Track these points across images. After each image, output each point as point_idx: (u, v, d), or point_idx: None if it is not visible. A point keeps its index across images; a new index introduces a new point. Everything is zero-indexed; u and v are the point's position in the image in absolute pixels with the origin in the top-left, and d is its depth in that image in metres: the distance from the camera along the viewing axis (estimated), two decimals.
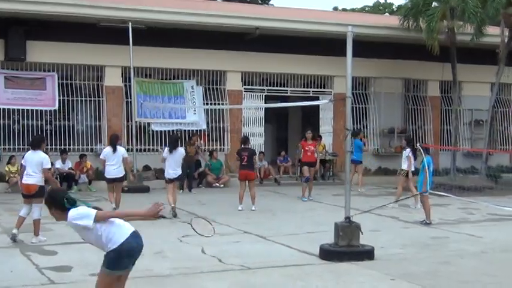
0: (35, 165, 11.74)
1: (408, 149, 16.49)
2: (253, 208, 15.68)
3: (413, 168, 16.38)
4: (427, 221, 13.91)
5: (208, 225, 6.46)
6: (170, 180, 15.04)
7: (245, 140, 16.75)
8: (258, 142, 23.14)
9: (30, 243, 11.32)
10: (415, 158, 16.17)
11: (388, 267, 9.63)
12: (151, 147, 21.69)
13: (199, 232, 6.35)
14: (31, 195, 11.75)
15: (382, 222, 14.05)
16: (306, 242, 11.43)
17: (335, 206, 16.27)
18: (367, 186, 20.95)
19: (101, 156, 15.49)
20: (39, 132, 20.49)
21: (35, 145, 12.11)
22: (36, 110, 20.51)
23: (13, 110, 20.23)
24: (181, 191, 19.35)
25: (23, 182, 11.83)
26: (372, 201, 17.06)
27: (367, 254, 10.09)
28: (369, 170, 23.97)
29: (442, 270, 9.57)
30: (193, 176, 20.54)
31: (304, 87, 24.15)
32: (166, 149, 15.16)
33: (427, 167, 13.76)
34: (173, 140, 15.60)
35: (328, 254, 10.07)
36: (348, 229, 10.18)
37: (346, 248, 10.07)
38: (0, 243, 11.35)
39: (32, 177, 11.73)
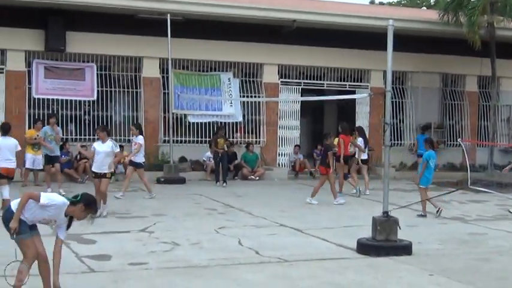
0: (9, 150, 12.92)
1: (360, 138, 17.75)
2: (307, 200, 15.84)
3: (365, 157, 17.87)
4: (423, 214, 13.95)
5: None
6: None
7: (324, 135, 16.88)
8: (293, 135, 23.14)
9: None
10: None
11: (426, 262, 9.58)
12: (187, 138, 21.78)
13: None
14: (11, 177, 13.12)
15: (419, 217, 13.95)
16: (342, 236, 11.42)
17: (371, 201, 16.24)
18: (404, 180, 20.86)
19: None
20: (78, 122, 20.78)
21: (5, 131, 13.25)
22: (75, 101, 20.72)
23: (52, 100, 20.44)
24: (217, 183, 19.45)
25: (3, 166, 12.84)
26: (408, 196, 16.95)
27: (405, 249, 10.05)
28: (405, 165, 23.82)
29: (481, 266, 9.50)
30: (228, 168, 20.57)
31: (340, 80, 24.06)
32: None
33: (426, 162, 13.91)
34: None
35: (365, 248, 10.04)
36: (385, 224, 10.14)
37: (384, 242, 10.03)
38: (40, 231, 11.48)
39: (11, 162, 12.96)
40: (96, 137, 20.49)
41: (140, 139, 16.19)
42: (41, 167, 17.89)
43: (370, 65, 23.29)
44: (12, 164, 12.97)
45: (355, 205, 15.95)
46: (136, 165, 16.20)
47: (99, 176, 13.15)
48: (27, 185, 17.32)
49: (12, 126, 14.13)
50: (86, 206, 7.23)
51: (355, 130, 20.40)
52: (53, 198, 7.13)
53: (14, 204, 7.13)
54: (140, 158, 16.22)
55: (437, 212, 13.98)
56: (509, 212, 14.81)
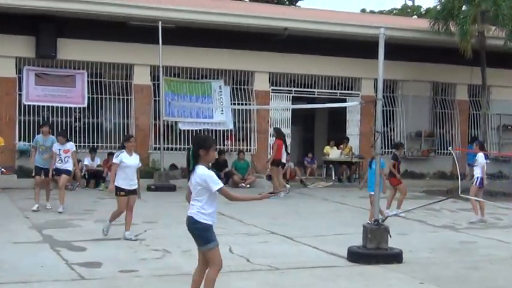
0: None
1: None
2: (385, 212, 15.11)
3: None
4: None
5: None
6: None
7: (395, 145, 16.97)
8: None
9: None
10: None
11: (417, 270, 9.58)
12: (178, 146, 21.76)
13: None
14: None
15: (409, 225, 13.98)
16: (333, 244, 11.41)
17: (361, 209, 16.24)
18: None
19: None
20: (68, 129, 20.67)
21: None
22: (66, 107, 20.69)
23: (43, 106, 20.40)
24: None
25: None
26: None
27: (395, 257, 10.05)
28: None
29: (471, 275, 9.51)
30: (219, 176, 20.53)
31: (331, 89, 24.10)
32: None
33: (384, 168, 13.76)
34: None
35: (356, 256, 10.04)
36: (376, 232, 10.15)
37: (375, 250, 10.04)
38: (30, 238, 11.47)
39: None
40: (86, 144, 20.67)
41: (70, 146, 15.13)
42: None
43: (361, 73, 23.36)
44: None
45: (346, 213, 15.97)
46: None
47: (129, 192, 11.51)
48: None
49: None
50: None
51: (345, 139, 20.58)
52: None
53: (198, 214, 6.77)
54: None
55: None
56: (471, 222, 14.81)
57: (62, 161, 14.73)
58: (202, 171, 6.68)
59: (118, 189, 11.37)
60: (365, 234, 10.21)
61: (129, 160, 11.40)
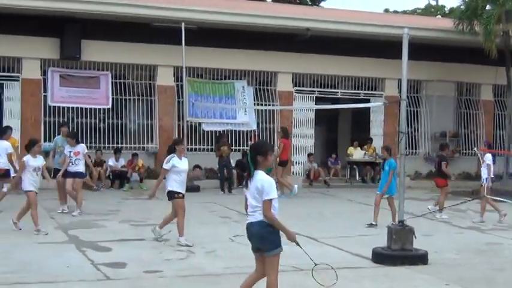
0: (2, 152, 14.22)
1: None
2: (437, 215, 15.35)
3: None
4: (373, 222, 13.73)
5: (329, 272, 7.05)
6: None
7: (441, 146, 16.81)
8: (308, 144, 23.10)
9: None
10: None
11: (442, 272, 9.52)
12: (202, 146, 21.80)
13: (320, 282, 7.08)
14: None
15: (434, 226, 13.90)
16: (357, 245, 11.38)
17: (385, 210, 16.14)
18: (419, 190, 20.82)
19: None
20: (93, 130, 20.82)
21: (1, 134, 14.88)
22: (90, 108, 20.81)
23: (67, 107, 20.54)
24: (222, 192, 19.46)
25: None
26: (424, 205, 16.85)
27: (420, 259, 10.00)
28: (420, 173, 23.74)
29: (497, 276, 9.44)
30: (242, 176, 20.55)
31: (354, 89, 24.02)
32: None
33: (393, 169, 13.66)
34: None
35: (381, 257, 10.01)
36: (401, 233, 10.11)
37: (400, 251, 10.00)
38: (56, 238, 11.56)
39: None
40: (110, 145, 20.80)
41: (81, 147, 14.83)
42: None
43: (385, 74, 23.26)
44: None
45: (370, 213, 15.86)
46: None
47: (179, 196, 11.27)
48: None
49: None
50: None
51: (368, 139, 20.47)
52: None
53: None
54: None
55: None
56: (428, 209, 14.77)
57: (72, 164, 14.38)
58: (261, 177, 6.61)
59: (175, 193, 11.14)
60: (389, 235, 10.17)
61: (181, 164, 11.22)
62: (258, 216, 6.63)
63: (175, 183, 11.13)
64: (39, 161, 12.10)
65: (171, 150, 11.48)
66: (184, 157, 11.42)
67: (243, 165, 20.66)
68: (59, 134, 16.31)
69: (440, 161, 15.82)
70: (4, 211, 13.74)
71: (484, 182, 14.85)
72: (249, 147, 7.03)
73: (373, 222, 13.64)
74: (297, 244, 6.76)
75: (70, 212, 14.26)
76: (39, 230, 11.73)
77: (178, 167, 11.15)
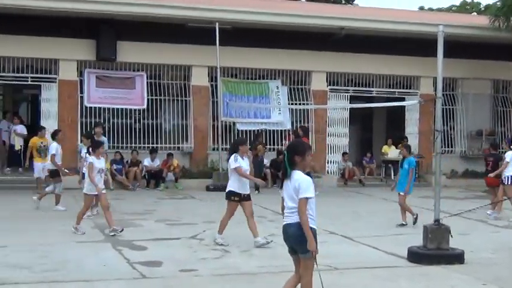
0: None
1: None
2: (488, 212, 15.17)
3: None
4: (403, 223, 13.53)
5: None
6: None
7: (494, 146, 16.70)
8: (342, 143, 23.03)
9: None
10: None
11: (479, 271, 9.44)
12: None
13: None
14: None
15: (471, 225, 13.77)
16: (393, 244, 11.33)
17: (421, 209, 16.03)
18: (455, 188, 20.65)
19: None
20: (128, 131, 20.99)
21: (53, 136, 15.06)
22: (126, 109, 21.01)
23: (103, 108, 20.75)
24: (256, 191, 19.46)
25: None
26: (460, 204, 16.75)
27: (457, 258, 9.91)
28: (456, 172, 23.52)
29: None
30: (277, 176, 20.56)
31: (389, 87, 23.89)
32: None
33: (413, 168, 13.49)
34: None
35: (417, 256, 9.94)
36: (437, 232, 10.03)
37: (436, 251, 9.92)
38: (93, 237, 11.69)
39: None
40: (145, 145, 20.96)
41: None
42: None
43: (420, 72, 23.10)
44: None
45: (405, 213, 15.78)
46: None
47: (243, 198, 11.13)
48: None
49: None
50: None
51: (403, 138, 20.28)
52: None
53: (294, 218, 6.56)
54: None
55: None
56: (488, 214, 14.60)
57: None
58: (299, 176, 6.49)
59: (232, 194, 11.04)
60: (425, 234, 10.10)
61: (244, 164, 11.11)
62: (295, 218, 6.53)
63: (238, 183, 11.02)
64: (103, 163, 12.18)
65: (234, 149, 11.36)
66: (246, 157, 11.35)
67: (278, 164, 20.70)
68: (94, 133, 16.03)
69: (497, 161, 15.66)
70: (42, 210, 13.93)
71: (507, 180, 14.70)
72: (286, 148, 6.87)
73: (404, 223, 13.52)
74: (314, 257, 6.52)
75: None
76: (115, 229, 11.71)
77: (242, 167, 11.08)
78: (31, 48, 19.74)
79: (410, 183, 13.55)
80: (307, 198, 6.42)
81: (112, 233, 11.66)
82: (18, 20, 19.19)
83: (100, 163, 12.06)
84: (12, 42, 19.47)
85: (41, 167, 17.42)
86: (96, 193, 11.92)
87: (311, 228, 6.45)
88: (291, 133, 21.80)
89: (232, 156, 11.13)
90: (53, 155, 14.69)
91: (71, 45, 20.11)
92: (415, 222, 13.39)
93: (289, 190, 6.57)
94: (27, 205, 15.18)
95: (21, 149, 20.48)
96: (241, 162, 11.09)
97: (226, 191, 11.14)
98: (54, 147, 14.80)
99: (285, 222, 6.67)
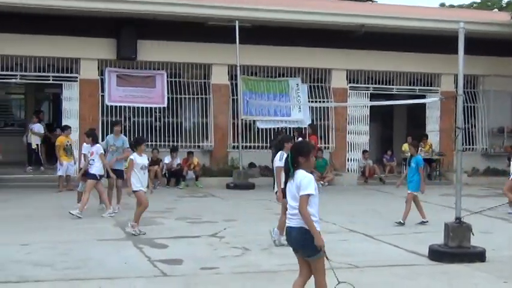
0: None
1: None
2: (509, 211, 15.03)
3: None
4: (424, 220, 13.45)
5: None
6: None
7: None
8: (363, 141, 22.96)
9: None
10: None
11: (501, 269, 9.39)
12: (256, 144, 21.85)
13: None
14: None
15: (492, 224, 13.69)
16: (413, 242, 11.30)
17: (442, 206, 15.99)
18: (476, 186, 20.53)
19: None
20: (149, 129, 21.06)
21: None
22: (146, 107, 21.07)
23: (124, 107, 20.83)
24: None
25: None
26: (481, 202, 16.64)
27: (478, 256, 9.87)
28: (477, 170, 23.37)
29: None
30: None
31: (410, 85, 23.78)
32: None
33: (422, 166, 13.43)
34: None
35: (438, 254, 9.91)
36: (458, 230, 9.98)
37: (457, 249, 9.88)
38: (114, 235, 11.76)
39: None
40: (166, 143, 21.02)
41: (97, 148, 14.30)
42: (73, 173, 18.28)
43: (441, 69, 22.97)
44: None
45: (426, 210, 15.70)
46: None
47: None
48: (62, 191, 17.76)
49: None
50: None
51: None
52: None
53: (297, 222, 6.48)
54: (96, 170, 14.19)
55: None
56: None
57: (89, 164, 14.08)
58: (301, 174, 6.43)
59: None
60: (446, 232, 10.06)
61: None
62: (296, 221, 6.48)
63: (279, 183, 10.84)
64: (145, 159, 12.12)
65: (280, 147, 11.24)
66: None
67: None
68: (111, 132, 15.95)
69: None
70: (63, 208, 14.03)
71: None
72: (291, 149, 6.80)
73: (424, 220, 13.46)
74: (324, 252, 6.46)
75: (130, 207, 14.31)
76: (138, 230, 11.73)
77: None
78: (53, 48, 19.86)
79: (422, 182, 13.50)
80: (308, 195, 6.33)
81: (133, 232, 11.70)
82: (40, 19, 19.31)
83: (142, 159, 11.99)
84: (34, 41, 19.60)
85: (67, 165, 18.00)
86: (142, 189, 11.82)
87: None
88: (295, 132, 21.65)
89: (279, 154, 11.02)
90: (102, 154, 14.21)
91: (92, 45, 20.20)
92: (399, 223, 13.31)
93: (292, 190, 6.51)
94: (49, 203, 15.32)
95: (37, 148, 20.71)
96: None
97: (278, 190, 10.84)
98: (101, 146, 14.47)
99: (287, 225, 6.66)
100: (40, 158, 20.91)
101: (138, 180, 11.80)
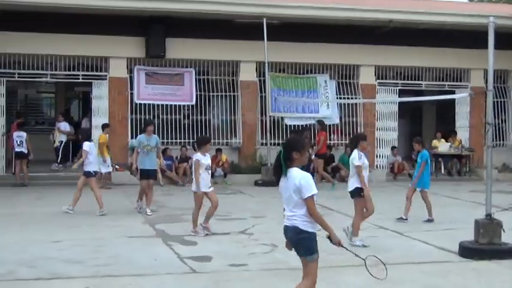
0: None
1: None
2: None
3: None
4: (430, 218, 13.28)
5: (380, 265, 6.63)
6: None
7: None
8: (391, 137, 22.86)
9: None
10: None
11: None
12: (285, 141, 21.80)
13: (373, 274, 6.66)
14: None
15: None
16: (443, 239, 11.23)
17: (472, 203, 15.87)
18: (506, 182, 20.33)
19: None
20: (177, 126, 21.15)
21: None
22: (175, 105, 21.17)
23: (153, 105, 20.95)
24: None
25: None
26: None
27: (509, 253, 9.78)
28: (507, 166, 23.14)
29: None
30: (326, 171, 20.63)
31: (439, 80, 23.62)
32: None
33: (425, 161, 13.30)
34: None
35: (468, 251, 9.84)
36: (489, 226, 9.91)
37: (487, 246, 9.81)
38: (144, 232, 11.85)
39: None
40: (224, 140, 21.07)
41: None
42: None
43: (470, 64, 22.78)
44: None
45: (455, 207, 15.64)
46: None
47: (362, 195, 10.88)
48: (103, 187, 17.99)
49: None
50: None
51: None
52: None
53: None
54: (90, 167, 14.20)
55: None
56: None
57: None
58: (297, 173, 6.21)
59: (361, 190, 10.77)
60: (477, 229, 9.99)
61: (365, 160, 10.94)
62: (293, 221, 6.34)
63: (353, 178, 10.83)
64: (208, 159, 11.90)
65: (355, 144, 11.13)
66: (365, 153, 11.07)
67: (326, 159, 20.72)
68: (145, 131, 15.15)
69: None
70: (93, 207, 14.16)
71: None
72: (283, 144, 6.49)
73: (404, 217, 13.28)
74: (343, 246, 6.43)
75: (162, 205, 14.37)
76: (199, 232, 11.58)
77: (365, 163, 10.87)
78: (82, 47, 20.04)
79: (420, 176, 13.40)
80: (313, 196, 6.17)
81: (201, 233, 11.47)
82: (70, 19, 19.49)
83: (206, 159, 11.76)
84: (64, 40, 19.78)
85: (109, 162, 18.60)
86: (205, 190, 11.67)
87: (307, 231, 6.25)
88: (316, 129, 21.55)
89: (356, 153, 10.86)
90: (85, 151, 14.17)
91: (121, 43, 20.36)
92: (400, 219, 13.25)
93: (287, 188, 6.29)
94: (80, 200, 15.43)
95: (60, 146, 20.90)
96: (364, 160, 10.86)
97: (353, 188, 10.83)
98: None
99: (284, 224, 6.50)
100: (61, 155, 21.01)
101: (203, 182, 11.59)
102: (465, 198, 17.08)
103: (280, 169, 6.30)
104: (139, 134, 15.18)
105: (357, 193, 10.77)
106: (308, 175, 6.24)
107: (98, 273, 8.69)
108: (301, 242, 6.32)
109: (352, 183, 10.83)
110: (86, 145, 14.10)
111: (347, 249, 6.54)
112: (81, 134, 14.23)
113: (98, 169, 14.71)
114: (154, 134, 14.80)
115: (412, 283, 8.38)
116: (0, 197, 13.14)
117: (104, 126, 19.00)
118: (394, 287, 8.17)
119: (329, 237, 6.37)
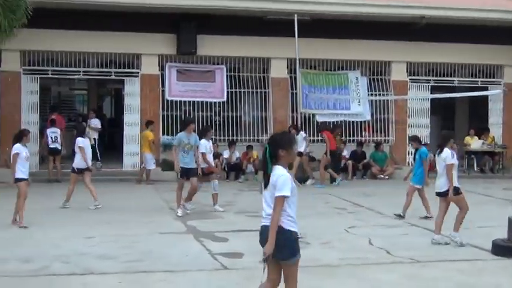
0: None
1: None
2: None
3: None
4: (428, 215, 13.09)
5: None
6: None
7: None
8: (423, 134, 22.63)
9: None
10: None
11: None
12: (316, 138, 21.78)
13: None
14: None
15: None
16: (476, 237, 11.11)
17: (505, 200, 15.72)
18: None
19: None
20: (209, 123, 21.18)
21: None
22: (206, 102, 21.23)
23: (184, 101, 21.04)
24: (333, 183, 19.37)
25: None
26: None
27: None
28: None
29: None
30: (357, 167, 20.55)
31: (471, 77, 23.37)
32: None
33: (425, 159, 13.20)
34: None
35: (501, 249, 9.74)
36: None
37: None
38: (175, 229, 11.92)
39: None
40: (225, 137, 21.16)
41: (80, 141, 14.29)
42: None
43: (504, 60, 22.53)
44: None
45: (489, 205, 15.48)
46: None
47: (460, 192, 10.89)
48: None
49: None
50: None
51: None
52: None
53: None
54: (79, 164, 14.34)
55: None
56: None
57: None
58: (278, 171, 5.85)
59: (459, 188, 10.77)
60: (510, 227, 9.88)
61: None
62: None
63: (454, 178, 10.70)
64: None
65: (445, 142, 11.16)
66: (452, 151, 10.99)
67: (357, 156, 20.66)
68: (180, 128, 15.39)
69: None
70: (124, 202, 14.27)
71: None
72: (268, 141, 6.10)
73: (428, 215, 13.13)
74: (265, 259, 5.84)
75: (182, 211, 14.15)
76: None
77: (456, 162, 10.88)
78: (114, 44, 20.19)
79: (425, 175, 13.34)
80: (283, 197, 5.78)
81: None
82: (102, 16, 19.62)
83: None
84: (96, 38, 19.94)
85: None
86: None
87: (291, 231, 5.87)
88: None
89: (449, 152, 10.81)
90: (204, 153, 13.91)
91: (152, 40, 20.47)
92: (398, 215, 13.17)
93: (270, 187, 5.91)
94: (111, 196, 15.57)
95: (95, 143, 21.05)
96: (455, 158, 10.82)
97: (446, 188, 10.73)
98: (204, 145, 14.01)
99: (262, 224, 6.01)
100: (97, 152, 21.20)
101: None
102: (498, 195, 16.90)
103: (266, 165, 5.96)
104: (171, 130, 15.17)
105: (454, 193, 10.64)
106: (287, 176, 5.83)
107: (130, 268, 8.77)
108: (284, 243, 5.85)
109: (444, 184, 10.75)
110: (81, 141, 14.17)
111: (264, 262, 5.92)
112: (76, 130, 14.18)
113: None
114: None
115: (445, 281, 8.31)
116: (34, 193, 13.24)
117: (148, 123, 19.24)
118: (427, 285, 8.13)
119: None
